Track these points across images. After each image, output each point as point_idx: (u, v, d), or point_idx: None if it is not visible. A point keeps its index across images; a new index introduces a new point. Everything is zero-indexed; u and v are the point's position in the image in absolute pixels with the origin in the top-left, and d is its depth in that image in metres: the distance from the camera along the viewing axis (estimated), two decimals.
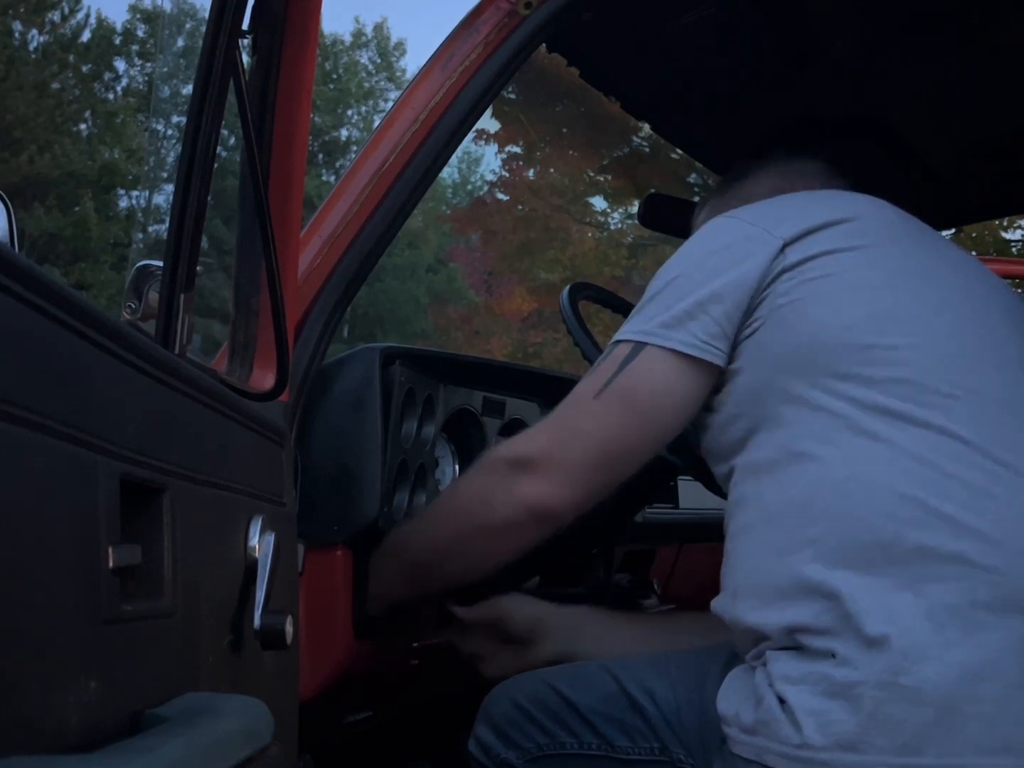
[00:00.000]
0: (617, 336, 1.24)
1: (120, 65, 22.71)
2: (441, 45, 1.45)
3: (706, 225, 1.30)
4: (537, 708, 1.32)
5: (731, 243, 1.23)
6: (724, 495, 1.49)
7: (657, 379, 1.20)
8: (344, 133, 26.55)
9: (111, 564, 0.62)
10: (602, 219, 14.47)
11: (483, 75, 1.41)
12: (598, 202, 14.02)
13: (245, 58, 1.01)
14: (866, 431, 1.10)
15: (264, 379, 1.17)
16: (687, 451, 1.48)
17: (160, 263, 1.01)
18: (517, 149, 13.42)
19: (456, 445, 1.62)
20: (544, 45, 1.53)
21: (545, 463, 1.21)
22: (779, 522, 1.12)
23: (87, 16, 21.44)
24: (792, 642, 1.07)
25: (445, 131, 1.41)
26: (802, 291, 1.17)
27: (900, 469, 1.08)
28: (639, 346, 1.20)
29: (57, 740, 0.55)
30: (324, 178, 24.27)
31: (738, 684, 1.15)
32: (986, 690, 1.00)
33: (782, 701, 1.06)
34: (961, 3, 1.56)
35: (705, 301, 1.20)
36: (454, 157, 1.55)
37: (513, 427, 1.66)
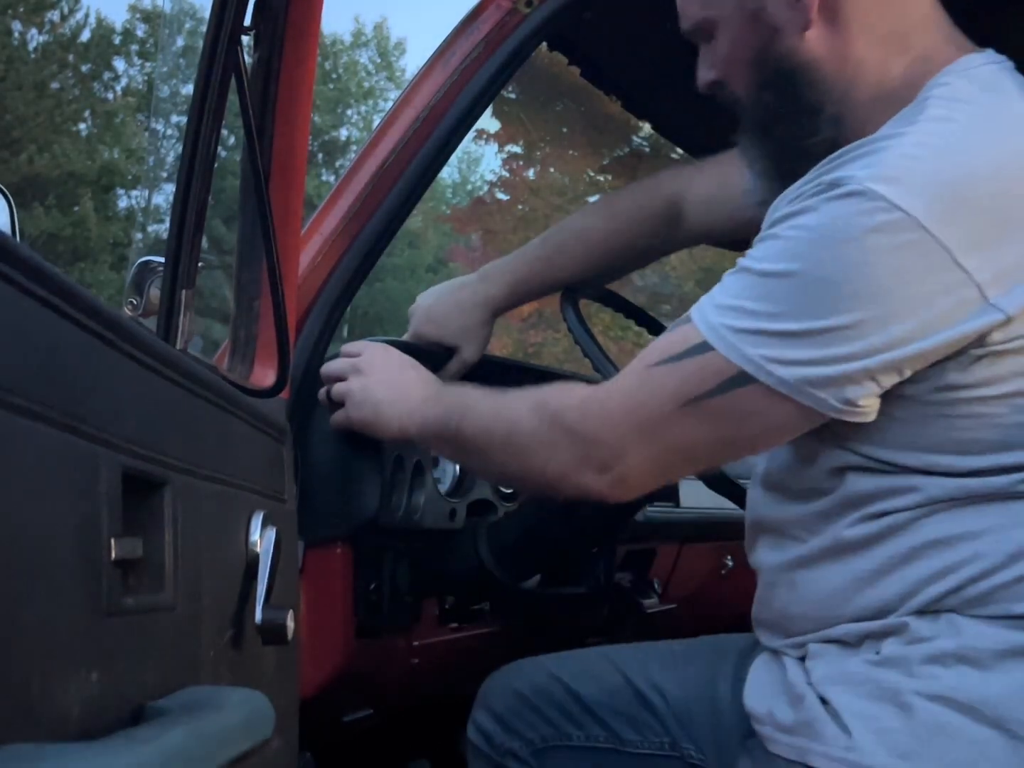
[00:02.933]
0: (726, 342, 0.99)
1: (120, 65, 22.72)
2: (441, 44, 1.45)
3: None
4: (540, 698, 1.30)
5: None
6: (727, 495, 1.49)
7: (770, 420, 1.01)
8: (344, 133, 26.56)
9: (113, 557, 0.62)
10: None
11: (483, 74, 1.42)
12: None
13: (246, 57, 1.02)
14: None
15: (265, 376, 1.17)
16: None
17: (162, 259, 1.02)
18: (517, 149, 13.42)
19: None
20: (544, 44, 1.53)
21: (614, 460, 1.06)
22: None
23: (86, 16, 21.46)
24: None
25: (445, 131, 1.41)
26: None
27: None
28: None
29: (58, 731, 0.56)
30: (324, 178, 24.27)
31: (767, 679, 1.12)
32: None
33: (824, 701, 1.04)
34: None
35: None
36: (454, 157, 1.56)
37: None
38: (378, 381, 1.27)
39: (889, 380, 0.97)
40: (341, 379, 1.30)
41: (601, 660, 1.32)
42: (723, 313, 1.00)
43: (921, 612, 1.03)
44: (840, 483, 1.06)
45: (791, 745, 1.05)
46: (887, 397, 1.00)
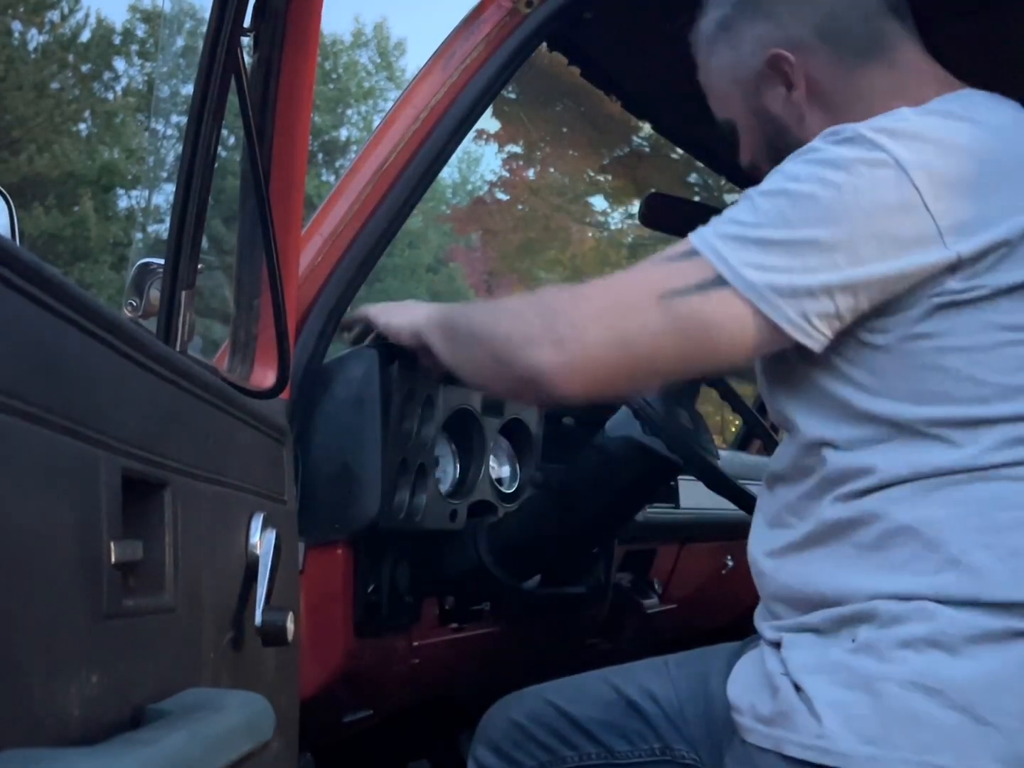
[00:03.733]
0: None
1: (120, 65, 22.70)
2: (442, 44, 1.45)
3: None
4: (536, 725, 1.32)
5: None
6: (727, 495, 1.49)
7: (734, 329, 1.05)
8: (344, 133, 26.55)
9: (113, 559, 0.62)
10: (602, 219, 14.48)
11: (484, 74, 1.42)
12: (598, 202, 14.04)
13: (246, 57, 1.02)
14: None
15: (265, 377, 1.17)
16: (688, 450, 1.48)
17: (161, 260, 1.01)
18: (517, 149, 13.43)
19: (457, 445, 1.62)
20: (545, 44, 1.53)
21: (572, 337, 1.05)
22: None
23: (87, 16, 21.44)
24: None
25: (445, 130, 1.41)
26: None
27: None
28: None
29: (59, 733, 0.56)
30: (324, 178, 24.26)
31: (749, 672, 1.14)
32: (1010, 703, 0.99)
33: (798, 689, 1.05)
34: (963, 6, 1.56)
35: None
36: (454, 157, 1.56)
37: (513, 426, 1.67)
38: (394, 305, 1.38)
39: (845, 304, 1.04)
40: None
41: (594, 680, 1.34)
42: (715, 225, 1.08)
43: (894, 597, 1.04)
44: (819, 461, 1.10)
45: (768, 735, 1.07)
46: (861, 349, 1.06)
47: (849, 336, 1.07)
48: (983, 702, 0.99)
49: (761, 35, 1.19)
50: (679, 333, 1.05)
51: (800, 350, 1.06)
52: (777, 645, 1.12)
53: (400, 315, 1.33)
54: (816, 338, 1.05)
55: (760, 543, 1.18)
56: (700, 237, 1.07)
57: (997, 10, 1.58)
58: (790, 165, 1.08)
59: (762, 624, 1.16)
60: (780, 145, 1.19)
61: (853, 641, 1.05)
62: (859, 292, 1.04)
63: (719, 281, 1.04)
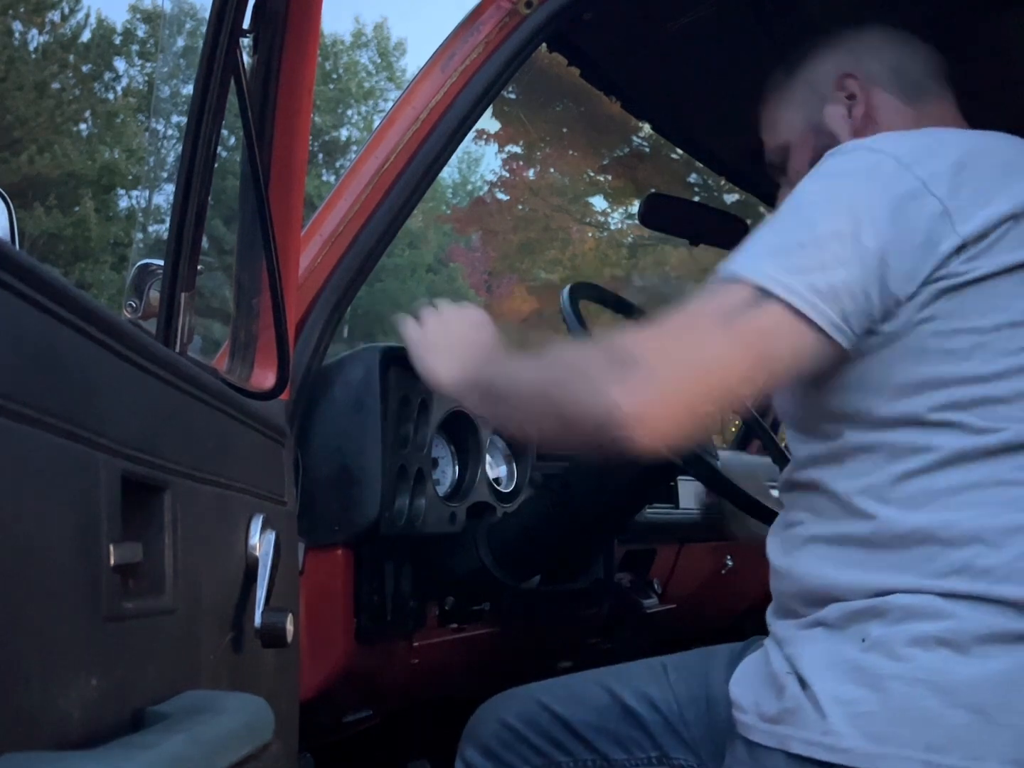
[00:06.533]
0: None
1: (120, 65, 22.72)
2: (441, 45, 1.45)
3: None
4: (528, 728, 1.31)
5: None
6: (726, 497, 1.49)
7: (790, 340, 1.06)
8: (344, 133, 26.55)
9: (112, 562, 0.62)
10: (602, 219, 14.48)
11: (483, 75, 1.42)
12: (598, 202, 14.04)
13: (246, 58, 1.02)
14: None
15: (265, 378, 1.17)
16: (687, 450, 1.48)
17: (161, 262, 1.01)
18: (517, 149, 13.43)
19: (456, 446, 1.62)
20: (545, 44, 1.53)
21: (648, 377, 1.04)
22: None
23: (87, 16, 21.44)
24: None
25: (445, 131, 1.41)
26: None
27: None
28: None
29: (58, 736, 0.56)
30: (324, 178, 24.27)
31: (753, 670, 1.14)
32: (1020, 703, 0.99)
33: (804, 686, 1.05)
34: (963, 5, 1.56)
35: None
36: (454, 157, 1.55)
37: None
38: (441, 334, 1.31)
39: (876, 293, 1.05)
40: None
41: (588, 683, 1.33)
42: (743, 252, 1.10)
43: (905, 593, 1.04)
44: (833, 459, 1.11)
45: (772, 733, 1.06)
46: (867, 338, 1.07)
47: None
48: (992, 701, 0.99)
49: (837, 62, 1.33)
50: (746, 350, 1.05)
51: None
52: (783, 643, 1.11)
53: (440, 355, 1.28)
54: (851, 338, 1.06)
55: (776, 541, 1.18)
56: (732, 263, 1.09)
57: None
58: (798, 186, 1.13)
59: (774, 621, 1.16)
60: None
61: (863, 640, 1.04)
62: (887, 278, 1.05)
63: (764, 294, 1.05)
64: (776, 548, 1.17)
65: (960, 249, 1.05)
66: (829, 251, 1.05)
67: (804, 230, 1.08)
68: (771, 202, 1.40)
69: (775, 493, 1.60)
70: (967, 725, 0.98)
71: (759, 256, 1.08)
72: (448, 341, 1.29)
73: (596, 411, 1.05)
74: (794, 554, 1.14)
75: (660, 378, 1.04)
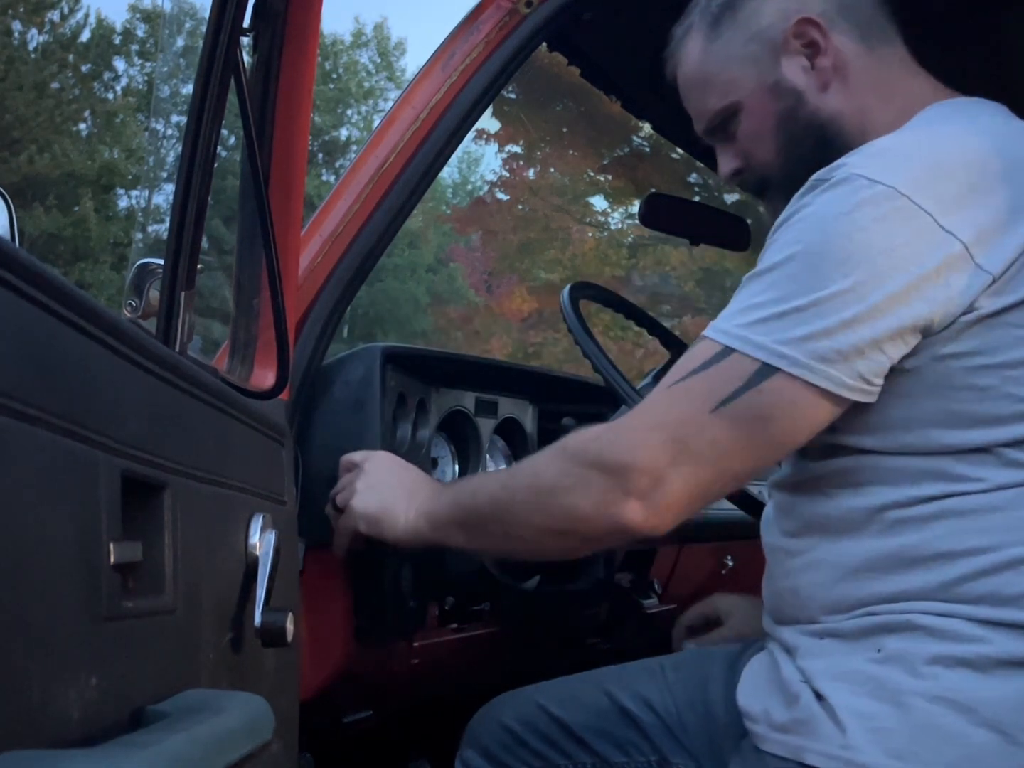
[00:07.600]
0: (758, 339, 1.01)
1: (120, 65, 22.71)
2: (441, 44, 1.45)
3: None
4: (527, 730, 1.30)
5: None
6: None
7: (796, 410, 1.01)
8: (344, 133, 26.55)
9: (112, 561, 0.62)
10: (602, 219, 14.48)
11: (483, 74, 1.42)
12: (598, 202, 14.04)
13: (246, 57, 1.02)
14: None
15: (265, 377, 1.17)
16: None
17: (161, 261, 1.01)
18: (517, 149, 13.43)
19: (456, 445, 1.62)
20: (544, 44, 1.53)
21: (652, 485, 1.02)
22: None
23: (87, 16, 21.44)
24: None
25: (445, 130, 1.41)
26: None
27: None
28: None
29: (58, 735, 0.56)
30: (324, 178, 24.26)
31: (761, 677, 1.12)
32: None
33: (821, 698, 1.03)
34: (963, 5, 1.56)
35: None
36: (454, 157, 1.55)
37: (507, 426, 1.66)
38: (381, 480, 1.24)
39: (895, 349, 1.00)
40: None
41: (586, 684, 1.32)
42: (734, 317, 1.03)
43: (928, 613, 1.02)
44: (857, 484, 1.08)
45: (785, 743, 1.05)
46: (890, 377, 1.02)
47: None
48: (1014, 721, 0.98)
49: (782, 7, 1.17)
50: (744, 436, 1.02)
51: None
52: (792, 651, 1.10)
53: (390, 504, 1.21)
54: (873, 392, 1.01)
55: (778, 543, 1.16)
56: (723, 333, 1.03)
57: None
58: (782, 232, 1.04)
59: (775, 626, 1.14)
60: (791, 125, 1.17)
61: (879, 651, 1.03)
62: (905, 332, 0.99)
63: (765, 371, 1.00)
64: (778, 552, 1.15)
65: (990, 287, 0.99)
66: (835, 315, 0.98)
67: (802, 292, 1.00)
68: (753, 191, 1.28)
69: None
70: (988, 744, 0.98)
71: (753, 324, 1.01)
72: (389, 492, 1.23)
73: (602, 527, 1.06)
74: (801, 562, 1.11)
75: (663, 481, 1.03)
